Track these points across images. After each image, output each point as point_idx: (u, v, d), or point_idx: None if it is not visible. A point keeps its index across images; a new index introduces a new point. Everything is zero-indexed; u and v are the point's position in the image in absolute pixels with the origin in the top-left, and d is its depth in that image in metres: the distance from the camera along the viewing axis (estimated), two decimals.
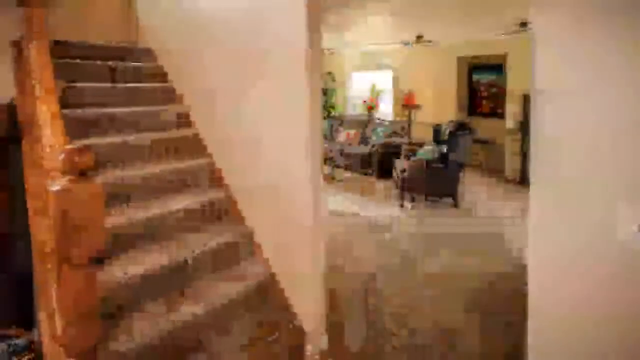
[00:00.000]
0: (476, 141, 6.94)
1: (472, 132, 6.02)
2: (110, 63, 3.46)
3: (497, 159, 7.41)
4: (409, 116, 8.56)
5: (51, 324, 1.65)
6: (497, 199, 6.05)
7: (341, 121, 8.98)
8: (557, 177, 1.55)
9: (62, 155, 1.22)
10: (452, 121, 6.83)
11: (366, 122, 8.48)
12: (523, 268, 3.17)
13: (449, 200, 5.77)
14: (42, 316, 1.86)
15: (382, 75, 9.55)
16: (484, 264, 3.88)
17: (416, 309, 3.13)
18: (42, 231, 1.77)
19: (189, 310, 2.24)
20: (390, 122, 8.52)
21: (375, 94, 9.50)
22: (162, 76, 3.67)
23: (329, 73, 10.17)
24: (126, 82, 3.43)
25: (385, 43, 8.51)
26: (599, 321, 1.46)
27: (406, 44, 8.25)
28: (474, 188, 6.53)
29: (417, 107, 8.42)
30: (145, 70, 3.66)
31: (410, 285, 3.51)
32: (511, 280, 3.50)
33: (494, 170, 7.46)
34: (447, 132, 6.04)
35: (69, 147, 1.25)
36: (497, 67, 7.88)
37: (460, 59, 8.34)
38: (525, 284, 1.62)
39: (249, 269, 2.72)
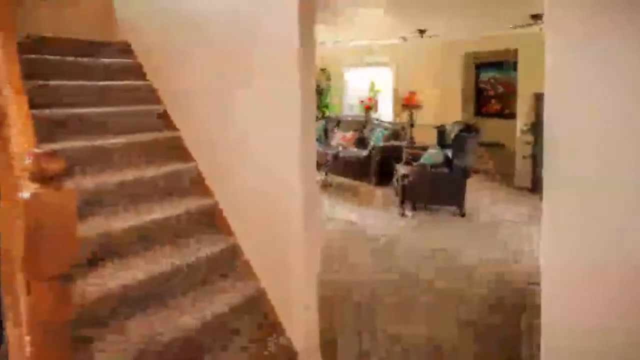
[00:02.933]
0: (483, 144, 7.00)
1: (479, 134, 6.07)
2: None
3: (506, 164, 7.47)
4: (410, 117, 8.62)
5: (17, 320, 1.66)
6: (507, 208, 6.10)
7: (337, 122, 8.98)
8: (571, 181, 1.58)
9: (30, 160, 1.22)
10: (457, 122, 6.89)
11: (364, 124, 8.50)
12: (532, 294, 3.21)
13: (452, 208, 5.80)
14: (8, 316, 1.87)
15: (381, 73, 9.62)
16: (488, 280, 3.92)
17: (414, 323, 3.15)
18: (8, 232, 1.78)
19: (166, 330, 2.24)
20: (391, 123, 8.56)
21: (374, 93, 9.55)
22: (141, 75, 3.68)
23: (323, 70, 10.21)
24: (100, 80, 3.44)
25: (385, 38, 8.58)
26: (617, 336, 1.48)
27: (405, 39, 8.33)
28: (481, 195, 6.58)
29: (418, 107, 8.49)
30: (123, 68, 3.67)
31: (409, 298, 3.53)
32: (515, 302, 3.53)
33: (503, 176, 7.52)
34: (452, 134, 6.09)
35: (36, 151, 1.26)
36: (506, 63, 7.97)
37: (465, 55, 8.43)
38: (532, 287, 1.64)
39: (234, 285, 2.72)
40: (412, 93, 8.60)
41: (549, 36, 1.63)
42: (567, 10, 1.58)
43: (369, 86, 9.66)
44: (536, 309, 1.68)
